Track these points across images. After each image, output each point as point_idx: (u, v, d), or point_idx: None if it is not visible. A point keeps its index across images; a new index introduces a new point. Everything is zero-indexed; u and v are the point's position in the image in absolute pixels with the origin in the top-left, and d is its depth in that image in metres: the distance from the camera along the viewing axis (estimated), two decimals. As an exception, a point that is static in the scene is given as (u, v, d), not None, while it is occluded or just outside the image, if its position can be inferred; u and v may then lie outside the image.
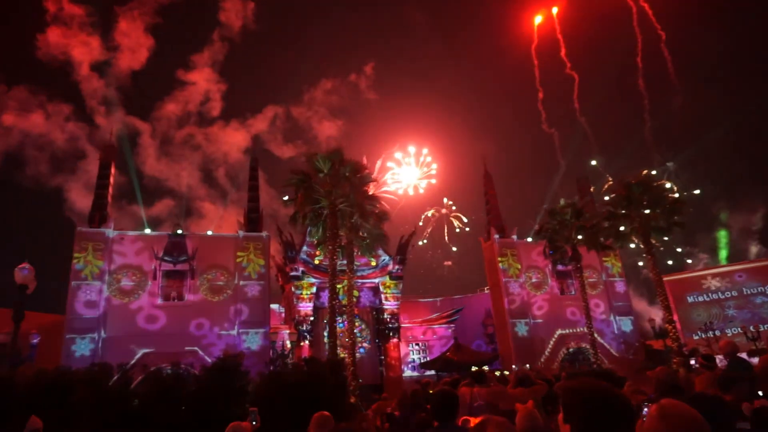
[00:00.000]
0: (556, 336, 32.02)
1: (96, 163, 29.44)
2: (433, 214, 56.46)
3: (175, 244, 27.16)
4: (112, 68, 52.42)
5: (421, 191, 44.84)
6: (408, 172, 45.22)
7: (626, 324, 33.75)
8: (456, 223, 54.31)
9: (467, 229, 52.76)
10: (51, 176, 48.86)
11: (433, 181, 45.05)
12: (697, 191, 30.74)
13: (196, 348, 25.45)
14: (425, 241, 56.19)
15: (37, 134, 49.63)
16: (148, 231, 27.65)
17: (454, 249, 57.28)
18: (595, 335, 28.86)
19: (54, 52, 49.78)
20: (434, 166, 44.53)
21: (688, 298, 39.65)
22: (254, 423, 5.37)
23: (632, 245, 26.57)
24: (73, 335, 24.29)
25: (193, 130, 55.75)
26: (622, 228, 25.89)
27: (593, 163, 39.18)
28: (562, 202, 30.80)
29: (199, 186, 54.68)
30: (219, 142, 56.65)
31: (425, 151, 44.24)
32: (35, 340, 24.51)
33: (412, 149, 44.13)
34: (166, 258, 26.75)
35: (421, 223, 55.68)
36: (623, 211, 25.92)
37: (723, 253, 45.57)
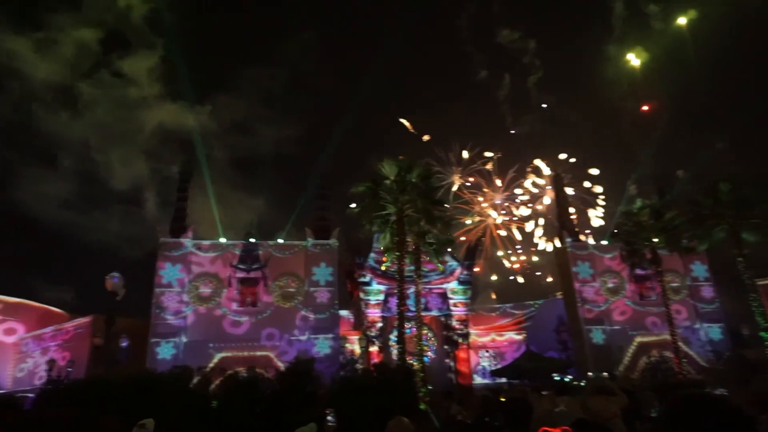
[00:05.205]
0: (635, 344, 30.35)
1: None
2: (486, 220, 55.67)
3: (248, 252, 28.17)
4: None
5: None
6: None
7: (715, 331, 31.42)
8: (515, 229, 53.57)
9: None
10: (134, 189, 51.94)
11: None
12: None
13: (268, 353, 26.30)
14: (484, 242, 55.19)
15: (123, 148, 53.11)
16: (223, 240, 28.87)
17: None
18: (680, 343, 27.24)
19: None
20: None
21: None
22: (331, 424, 5.48)
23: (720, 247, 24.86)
24: (157, 339, 25.79)
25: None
26: (708, 229, 24.30)
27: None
28: (638, 203, 29.32)
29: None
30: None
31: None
32: (124, 344, 26.19)
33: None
34: (240, 266, 27.79)
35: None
36: (710, 211, 24.31)
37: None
